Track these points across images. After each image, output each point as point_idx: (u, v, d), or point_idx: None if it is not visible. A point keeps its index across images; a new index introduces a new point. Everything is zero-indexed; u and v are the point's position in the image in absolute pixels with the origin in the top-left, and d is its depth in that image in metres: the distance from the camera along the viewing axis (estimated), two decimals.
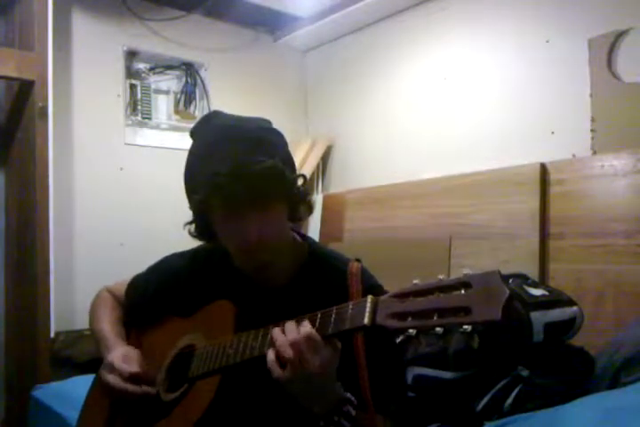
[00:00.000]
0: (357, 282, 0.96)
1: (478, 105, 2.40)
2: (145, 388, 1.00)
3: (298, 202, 1.00)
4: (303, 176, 1.01)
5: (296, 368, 0.80)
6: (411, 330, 0.71)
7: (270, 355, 0.82)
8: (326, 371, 0.81)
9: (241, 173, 0.88)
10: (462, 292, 0.68)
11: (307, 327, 0.80)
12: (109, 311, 1.19)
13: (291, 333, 0.81)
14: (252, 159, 0.89)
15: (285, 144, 1.00)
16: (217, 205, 0.93)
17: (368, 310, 0.75)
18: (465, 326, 0.67)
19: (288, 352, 0.80)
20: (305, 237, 1.10)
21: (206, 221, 0.98)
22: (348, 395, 0.85)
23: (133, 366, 1.02)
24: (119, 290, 1.23)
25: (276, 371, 0.81)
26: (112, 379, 1.01)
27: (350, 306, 0.78)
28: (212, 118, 1.00)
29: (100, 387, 1.11)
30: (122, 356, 1.04)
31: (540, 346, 1.40)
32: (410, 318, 0.71)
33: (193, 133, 1.01)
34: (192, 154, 0.97)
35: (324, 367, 0.80)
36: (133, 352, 1.06)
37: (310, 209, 1.04)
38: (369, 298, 0.76)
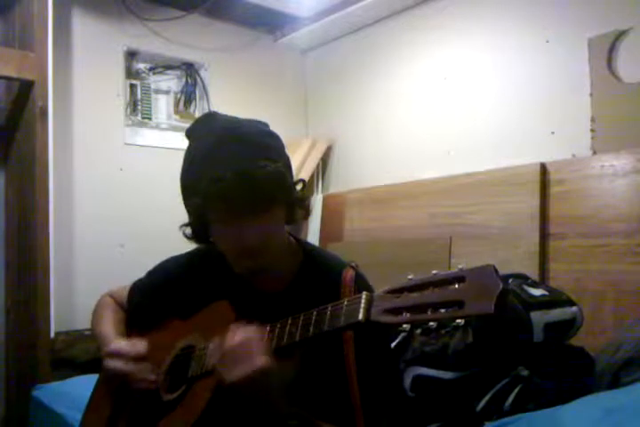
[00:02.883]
0: (350, 293, 0.95)
1: (478, 105, 2.40)
2: (148, 366, 1.00)
3: (296, 206, 1.00)
4: (302, 181, 1.02)
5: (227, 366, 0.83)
6: (405, 325, 0.72)
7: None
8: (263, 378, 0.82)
9: (244, 179, 0.87)
10: (456, 286, 0.69)
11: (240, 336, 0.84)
12: (111, 314, 1.19)
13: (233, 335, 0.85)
14: (255, 164, 0.88)
15: (284, 148, 0.99)
16: (217, 210, 0.92)
17: (362, 306, 0.75)
18: (458, 320, 0.68)
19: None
20: (300, 242, 1.09)
21: (203, 224, 0.97)
22: (294, 409, 0.86)
23: (139, 349, 1.01)
24: (121, 295, 1.22)
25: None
26: (115, 363, 1.00)
27: (345, 303, 0.79)
28: (210, 120, 0.99)
29: (103, 381, 1.11)
30: (127, 343, 1.04)
31: (540, 346, 1.40)
32: (404, 313, 0.71)
33: (189, 135, 1.00)
34: (190, 155, 0.96)
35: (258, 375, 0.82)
36: (138, 340, 1.06)
37: (307, 213, 1.04)
38: (363, 294, 0.77)
